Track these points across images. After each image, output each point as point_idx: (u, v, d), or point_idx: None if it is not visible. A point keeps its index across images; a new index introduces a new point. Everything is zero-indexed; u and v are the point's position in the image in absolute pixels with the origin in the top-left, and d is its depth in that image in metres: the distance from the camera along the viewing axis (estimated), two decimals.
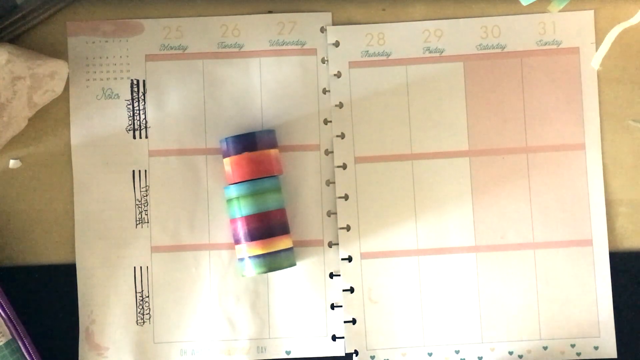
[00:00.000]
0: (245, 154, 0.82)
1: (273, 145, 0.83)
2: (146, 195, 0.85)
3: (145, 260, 0.85)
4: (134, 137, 0.86)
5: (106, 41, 0.86)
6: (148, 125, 0.86)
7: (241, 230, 0.82)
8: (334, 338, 0.85)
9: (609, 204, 0.86)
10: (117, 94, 0.86)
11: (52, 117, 0.85)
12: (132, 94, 0.86)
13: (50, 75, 0.81)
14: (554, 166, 0.86)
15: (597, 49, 0.84)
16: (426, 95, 0.86)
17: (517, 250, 0.85)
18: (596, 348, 0.85)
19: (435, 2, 0.86)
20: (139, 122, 0.86)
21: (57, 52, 0.84)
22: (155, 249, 0.85)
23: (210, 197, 0.85)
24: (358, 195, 0.86)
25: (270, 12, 0.86)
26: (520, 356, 0.85)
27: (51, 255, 0.85)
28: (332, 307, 0.85)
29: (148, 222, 0.85)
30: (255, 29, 0.86)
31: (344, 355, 0.85)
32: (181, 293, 0.85)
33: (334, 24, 0.86)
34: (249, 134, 0.82)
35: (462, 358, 0.85)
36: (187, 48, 0.86)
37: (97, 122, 0.85)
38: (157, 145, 0.86)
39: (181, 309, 0.85)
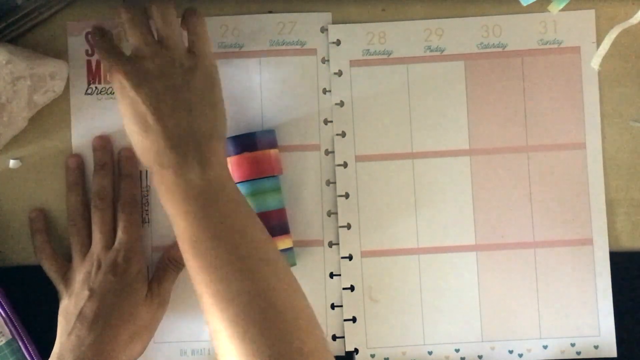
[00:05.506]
0: (245, 154, 0.82)
1: (273, 145, 0.83)
2: (147, 195, 0.85)
3: (145, 260, 0.84)
4: None
5: None
6: None
7: None
8: (334, 338, 0.85)
9: (609, 203, 0.86)
10: None
11: (53, 117, 0.85)
12: None
13: (51, 75, 0.81)
14: (554, 165, 0.86)
15: (598, 48, 0.84)
16: (427, 94, 0.86)
17: (517, 249, 0.85)
18: (596, 347, 0.85)
19: (435, 3, 0.86)
20: None
21: (58, 52, 0.84)
22: (155, 249, 0.85)
23: None
24: (359, 193, 0.86)
25: (270, 12, 0.86)
26: (520, 355, 0.85)
27: None
28: (332, 306, 0.85)
29: (149, 222, 0.85)
30: (255, 29, 0.85)
31: (344, 354, 0.85)
32: (181, 293, 0.85)
33: (333, 24, 0.86)
34: (249, 134, 0.82)
35: (462, 357, 0.85)
36: None
37: (98, 122, 0.85)
38: None
39: (181, 308, 0.85)
